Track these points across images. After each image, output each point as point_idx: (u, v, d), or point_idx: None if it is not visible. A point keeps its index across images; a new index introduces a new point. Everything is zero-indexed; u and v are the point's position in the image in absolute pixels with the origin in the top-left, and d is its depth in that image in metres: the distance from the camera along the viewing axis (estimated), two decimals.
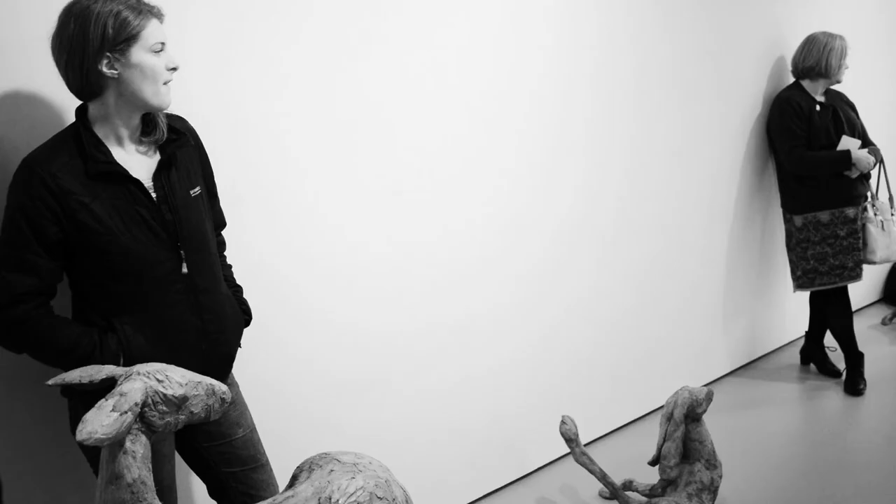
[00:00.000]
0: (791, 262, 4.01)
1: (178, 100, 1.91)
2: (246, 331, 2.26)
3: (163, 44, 1.66)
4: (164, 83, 1.68)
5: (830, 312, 3.97)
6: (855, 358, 3.95)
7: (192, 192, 1.79)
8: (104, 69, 1.61)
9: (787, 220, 4.00)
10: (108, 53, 1.60)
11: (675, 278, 3.75)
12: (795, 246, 3.94)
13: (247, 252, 2.26)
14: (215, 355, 1.85)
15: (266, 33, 2.24)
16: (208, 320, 1.81)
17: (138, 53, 1.63)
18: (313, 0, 2.34)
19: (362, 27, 2.47)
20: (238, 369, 2.23)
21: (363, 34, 2.47)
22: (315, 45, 2.36)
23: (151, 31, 1.63)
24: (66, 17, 1.60)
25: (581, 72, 3.15)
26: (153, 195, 1.72)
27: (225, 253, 2.06)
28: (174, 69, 1.69)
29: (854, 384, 3.91)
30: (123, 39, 1.60)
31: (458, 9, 2.72)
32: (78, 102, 1.71)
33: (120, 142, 1.71)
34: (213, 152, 2.04)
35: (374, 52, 2.51)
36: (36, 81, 1.82)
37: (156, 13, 1.65)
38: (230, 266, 2.07)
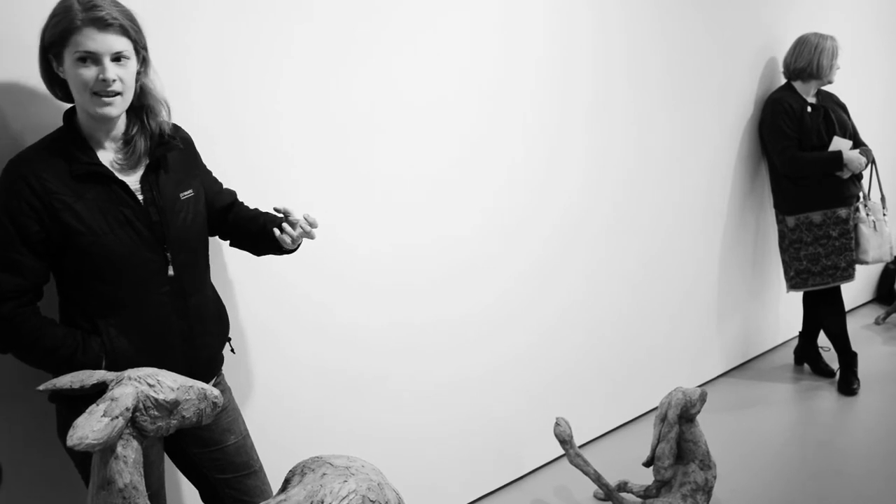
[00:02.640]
0: (784, 262, 4.02)
1: (175, 104, 1.91)
2: (242, 333, 2.26)
3: (90, 53, 1.56)
4: (97, 94, 1.59)
5: (824, 312, 3.99)
6: (848, 358, 3.96)
7: (182, 194, 1.79)
8: (56, 70, 1.61)
9: (780, 221, 4.01)
10: (49, 55, 1.60)
11: (668, 280, 3.76)
12: (788, 247, 3.95)
13: (242, 252, 2.26)
14: (201, 358, 1.84)
15: (264, 37, 2.24)
16: (194, 323, 1.80)
17: (67, 59, 1.58)
18: (313, 4, 2.34)
19: (361, 30, 2.46)
20: (235, 372, 2.23)
21: (362, 37, 2.47)
22: (313, 48, 2.35)
23: (80, 39, 1.55)
24: None
25: (576, 73, 3.15)
26: (140, 197, 1.71)
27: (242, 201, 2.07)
28: (105, 80, 1.58)
29: (848, 384, 3.93)
30: (52, 42, 1.59)
31: (456, 13, 2.72)
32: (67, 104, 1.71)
33: (107, 144, 1.71)
34: (208, 154, 2.03)
35: (372, 55, 2.50)
36: (32, 82, 1.82)
37: (94, 20, 1.55)
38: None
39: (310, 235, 1.87)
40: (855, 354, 3.97)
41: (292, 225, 1.86)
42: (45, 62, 1.63)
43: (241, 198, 2.16)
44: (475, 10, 2.78)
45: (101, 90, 1.60)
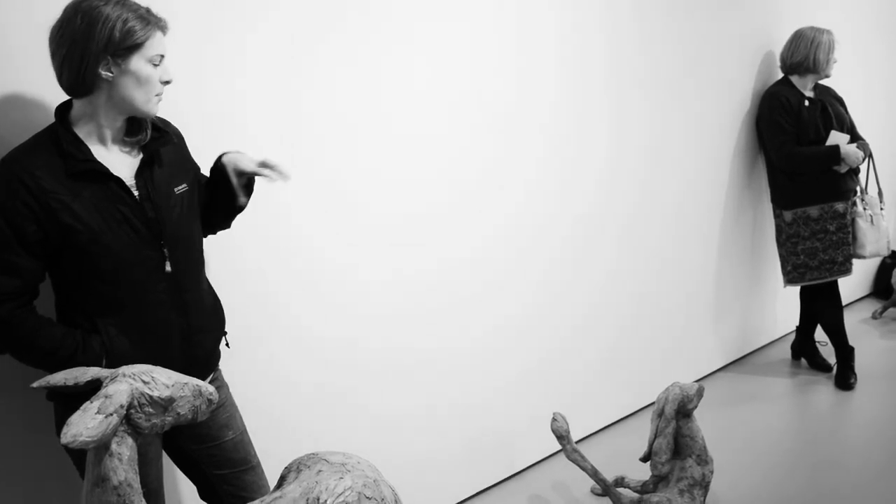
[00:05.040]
0: (781, 257, 4.02)
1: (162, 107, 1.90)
2: (237, 333, 2.25)
3: (162, 56, 1.67)
4: (156, 94, 1.69)
5: (821, 307, 3.99)
6: (845, 352, 3.96)
7: (176, 189, 1.78)
8: (101, 71, 1.60)
9: (777, 216, 4.01)
10: (108, 57, 1.60)
11: (665, 275, 3.75)
12: (786, 241, 3.95)
13: (235, 248, 2.25)
14: (198, 355, 1.84)
15: (267, 36, 2.23)
16: (192, 319, 1.80)
17: (138, 62, 1.63)
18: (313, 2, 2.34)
19: (376, 33, 2.47)
20: (231, 368, 2.22)
21: (376, 39, 2.47)
22: (308, 50, 2.34)
23: (154, 43, 1.65)
24: (73, 12, 1.58)
25: (577, 73, 3.14)
26: (135, 193, 1.71)
27: None
28: (167, 82, 1.70)
29: (845, 378, 3.93)
30: (127, 46, 1.60)
31: (471, 15, 2.73)
32: (58, 101, 1.70)
33: (103, 141, 1.70)
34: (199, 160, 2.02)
35: (375, 60, 2.49)
36: (22, 81, 1.80)
37: (161, 26, 1.67)
38: None
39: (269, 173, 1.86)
40: (852, 349, 3.97)
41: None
42: (92, 60, 1.59)
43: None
44: (485, 17, 2.78)
45: (161, 90, 1.70)
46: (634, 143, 3.46)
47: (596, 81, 3.24)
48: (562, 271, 3.25)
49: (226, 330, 1.98)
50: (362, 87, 2.48)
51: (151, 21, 1.64)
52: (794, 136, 3.78)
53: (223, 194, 1.90)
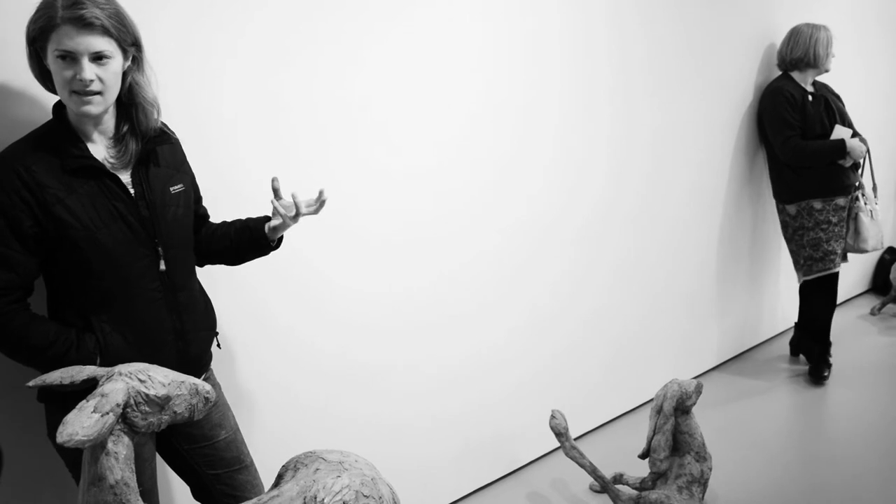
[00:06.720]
0: (792, 252, 4.00)
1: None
2: (230, 334, 2.25)
3: (68, 52, 1.54)
4: (76, 92, 1.58)
5: (821, 299, 3.97)
6: (826, 346, 4.01)
7: (172, 188, 1.77)
8: (45, 63, 1.59)
9: (781, 211, 4.00)
10: (37, 49, 1.59)
11: (664, 271, 3.75)
12: (793, 235, 3.94)
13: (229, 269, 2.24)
14: (191, 353, 1.83)
15: (266, 38, 2.22)
16: (185, 318, 1.80)
17: (49, 55, 1.57)
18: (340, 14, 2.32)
19: (380, 35, 2.46)
20: (224, 367, 2.21)
21: (380, 41, 2.47)
22: (314, 54, 2.33)
23: (57, 37, 1.53)
24: None
25: (580, 73, 3.13)
26: (131, 191, 1.70)
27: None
28: (82, 81, 1.56)
29: (819, 371, 3.98)
30: (34, 37, 1.58)
31: (480, 17, 2.73)
32: (56, 98, 1.69)
33: (96, 138, 1.69)
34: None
35: (377, 62, 2.49)
36: (22, 79, 1.79)
37: (73, 20, 1.53)
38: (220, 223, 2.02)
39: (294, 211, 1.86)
40: (830, 343, 4.02)
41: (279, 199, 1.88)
42: (35, 54, 1.62)
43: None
44: (494, 18, 2.77)
45: (80, 89, 1.57)
46: (638, 145, 3.45)
47: (599, 82, 3.23)
48: (564, 274, 3.24)
49: (217, 330, 1.97)
50: (363, 90, 2.47)
51: (58, 13, 1.52)
52: (800, 131, 3.78)
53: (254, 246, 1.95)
